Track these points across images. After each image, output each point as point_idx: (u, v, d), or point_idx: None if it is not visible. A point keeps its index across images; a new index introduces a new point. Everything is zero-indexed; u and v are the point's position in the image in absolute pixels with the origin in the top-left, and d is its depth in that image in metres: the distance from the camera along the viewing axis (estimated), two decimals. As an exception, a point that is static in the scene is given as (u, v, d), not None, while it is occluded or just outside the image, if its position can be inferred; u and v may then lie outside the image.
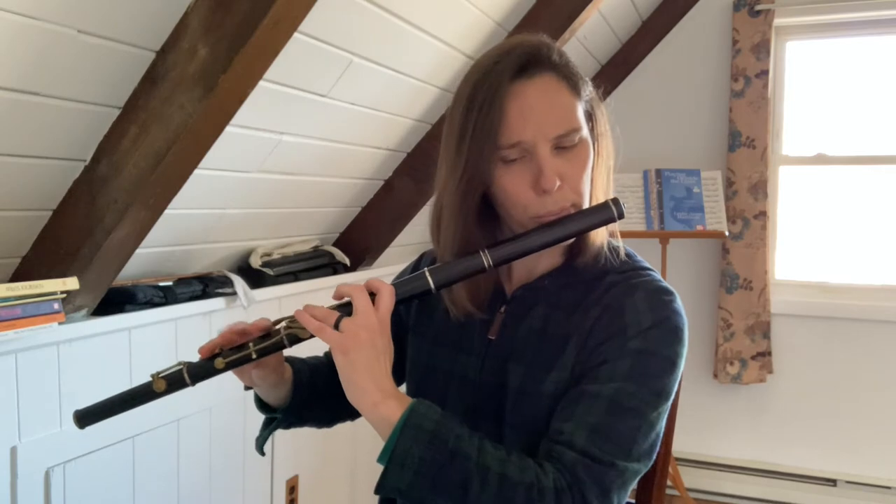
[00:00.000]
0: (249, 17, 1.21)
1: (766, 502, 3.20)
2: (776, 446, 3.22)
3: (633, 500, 1.19)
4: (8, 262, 1.43)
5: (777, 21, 3.08)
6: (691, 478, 3.27)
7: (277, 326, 0.94)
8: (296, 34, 1.37)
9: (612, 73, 3.31)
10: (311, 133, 1.90)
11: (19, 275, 1.44)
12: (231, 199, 1.85)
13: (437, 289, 0.94)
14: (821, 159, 3.21)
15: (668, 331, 0.93)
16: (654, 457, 0.93)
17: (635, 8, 3.06)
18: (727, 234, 2.92)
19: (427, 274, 0.93)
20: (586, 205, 0.96)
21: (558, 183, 0.91)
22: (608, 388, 0.90)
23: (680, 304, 0.97)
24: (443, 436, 0.84)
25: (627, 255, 1.03)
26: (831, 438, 3.14)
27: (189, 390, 0.97)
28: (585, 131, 0.95)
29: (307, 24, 1.43)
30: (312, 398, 1.10)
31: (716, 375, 3.20)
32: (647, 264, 1.03)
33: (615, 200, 0.94)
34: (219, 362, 0.93)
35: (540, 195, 0.92)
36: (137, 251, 1.54)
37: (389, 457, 0.83)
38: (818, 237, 3.24)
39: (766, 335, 3.14)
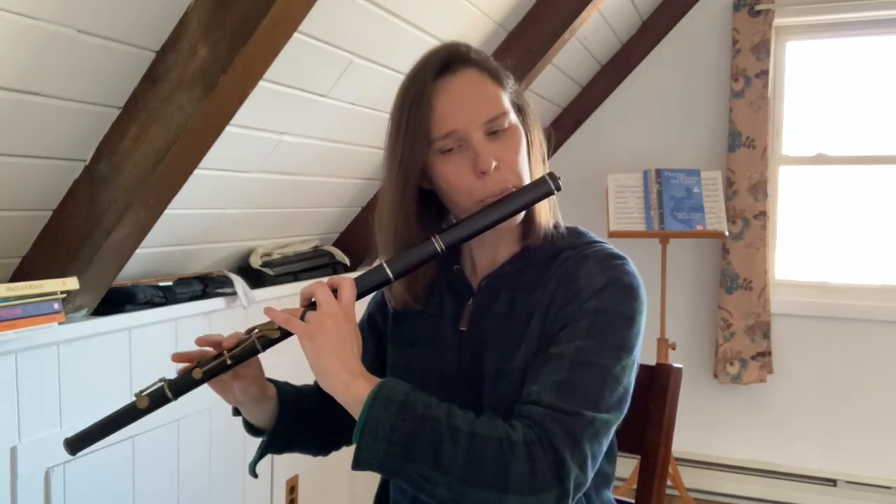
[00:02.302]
0: (249, 17, 1.21)
1: (766, 502, 3.20)
2: (776, 446, 3.22)
3: (633, 501, 1.20)
4: (8, 262, 1.43)
5: (777, 21, 3.08)
6: (691, 478, 3.27)
7: (249, 334, 0.97)
8: (296, 34, 1.37)
9: (612, 73, 3.31)
10: (311, 133, 1.90)
11: (19, 275, 1.44)
12: (231, 199, 1.85)
13: (395, 277, 0.97)
14: (821, 159, 3.20)
15: (620, 288, 0.97)
16: (625, 410, 0.95)
17: (635, 8, 3.06)
18: (727, 234, 2.92)
19: (385, 265, 0.97)
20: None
21: (494, 163, 0.96)
22: (570, 347, 0.93)
23: (633, 266, 1.02)
24: (412, 404, 0.87)
25: (577, 232, 1.07)
26: (831, 438, 3.14)
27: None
28: (514, 117, 1.00)
29: (307, 24, 1.44)
30: (300, 419, 1.12)
31: (716, 375, 3.20)
32: (597, 238, 1.07)
33: (551, 175, 0.98)
34: (196, 373, 0.96)
35: (480, 178, 0.96)
36: (137, 251, 1.54)
37: (361, 430, 0.86)
38: (818, 237, 3.24)
39: (766, 335, 3.14)
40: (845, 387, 3.12)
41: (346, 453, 1.20)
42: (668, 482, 2.68)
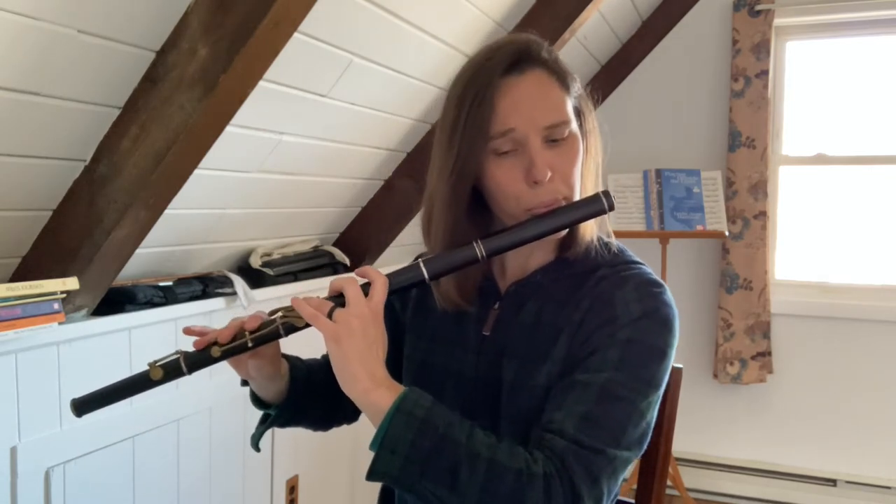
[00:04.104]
0: (249, 17, 1.21)
1: (766, 502, 3.20)
2: (776, 446, 3.22)
3: (633, 501, 1.20)
4: (8, 262, 1.43)
5: (777, 21, 3.08)
6: (691, 478, 3.27)
7: (273, 317, 0.95)
8: (296, 34, 1.37)
9: (612, 73, 3.31)
10: (311, 133, 1.90)
11: (19, 275, 1.44)
12: (231, 199, 1.85)
13: (430, 279, 0.95)
14: (821, 159, 3.21)
15: (657, 321, 0.95)
16: (645, 446, 0.93)
17: (635, 8, 3.06)
18: (727, 234, 2.92)
19: (421, 264, 0.94)
20: (577, 199, 0.97)
21: (549, 174, 0.92)
22: (598, 377, 0.91)
23: (670, 296, 0.99)
24: (433, 422, 0.85)
25: (619, 250, 1.04)
26: (831, 438, 3.14)
27: (189, 390, 0.97)
28: (575, 126, 0.97)
29: (307, 24, 1.43)
30: (308, 395, 1.10)
31: (716, 375, 3.20)
32: (637, 258, 1.04)
33: (605, 192, 0.95)
34: (215, 350, 0.94)
35: (531, 186, 0.93)
36: (137, 251, 1.54)
37: (380, 442, 0.84)
38: (818, 237, 3.24)
39: (766, 335, 3.14)
40: (845, 387, 3.12)
41: (347, 454, 1.20)
42: (668, 482, 2.68)
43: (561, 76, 0.97)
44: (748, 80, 3.07)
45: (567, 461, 0.86)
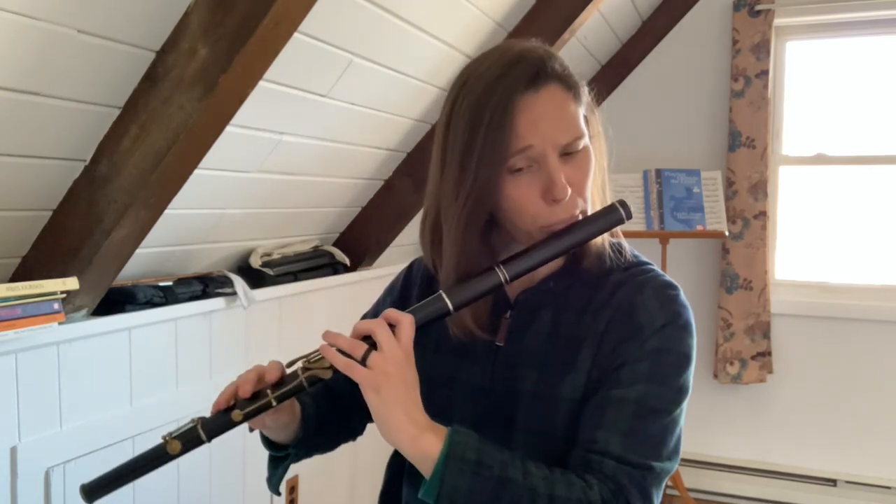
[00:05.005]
0: (249, 17, 1.21)
1: (765, 502, 3.20)
2: (776, 446, 3.22)
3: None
4: (8, 262, 1.43)
5: (777, 21, 3.08)
6: (691, 478, 3.27)
7: (294, 368, 0.91)
8: (296, 34, 1.37)
9: (612, 73, 3.31)
10: (311, 133, 1.90)
11: (19, 275, 1.44)
12: (231, 199, 1.85)
13: (455, 309, 0.92)
14: (821, 159, 3.20)
15: (680, 327, 0.96)
16: (680, 452, 0.95)
17: (635, 8, 3.06)
18: (727, 234, 2.92)
19: (444, 296, 0.92)
20: (590, 209, 0.96)
21: (570, 192, 0.90)
22: (633, 391, 0.91)
23: (684, 296, 0.99)
24: (487, 463, 0.84)
25: (630, 253, 1.03)
26: (831, 438, 3.14)
27: (189, 389, 0.96)
28: (587, 138, 0.95)
29: (307, 24, 1.43)
30: (319, 429, 1.09)
31: (716, 375, 3.20)
32: (646, 259, 1.04)
33: (622, 203, 0.94)
34: (236, 415, 0.89)
35: (550, 204, 0.91)
36: (137, 251, 1.54)
37: (437, 493, 0.83)
38: (818, 237, 3.24)
39: (766, 335, 3.14)
40: (845, 387, 3.12)
41: (347, 454, 1.20)
42: (668, 482, 2.68)
43: (575, 89, 0.94)
44: (748, 80, 3.07)
45: (621, 482, 0.86)
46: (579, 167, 0.93)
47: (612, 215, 0.94)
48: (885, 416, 3.07)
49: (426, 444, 0.84)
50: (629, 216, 0.93)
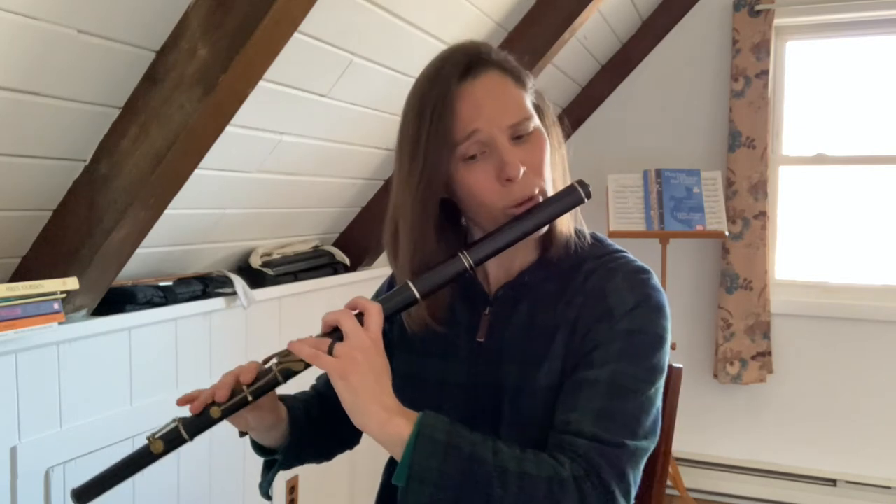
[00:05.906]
0: (249, 17, 1.21)
1: (765, 502, 3.20)
2: (776, 446, 3.22)
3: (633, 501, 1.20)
4: (8, 262, 1.43)
5: (777, 21, 3.08)
6: (691, 478, 3.27)
7: (268, 365, 0.92)
8: (296, 34, 1.37)
9: (612, 73, 3.31)
10: (311, 133, 1.90)
11: (19, 275, 1.44)
12: (231, 199, 1.85)
13: (422, 297, 0.93)
14: (821, 159, 3.21)
15: (651, 308, 0.96)
16: (658, 433, 0.94)
17: (635, 8, 3.06)
18: (727, 234, 2.92)
19: (410, 285, 0.93)
20: (551, 191, 0.97)
21: (523, 170, 0.92)
22: (604, 371, 0.91)
23: (657, 280, 1.00)
24: (457, 444, 0.84)
25: (596, 239, 1.05)
26: (831, 438, 3.14)
27: (189, 389, 0.97)
28: (537, 120, 0.97)
29: (307, 24, 1.44)
30: (309, 434, 1.09)
31: (716, 375, 3.20)
32: (618, 246, 1.05)
33: (580, 182, 0.95)
34: (214, 411, 0.91)
35: (505, 185, 0.93)
36: (137, 251, 1.54)
37: (408, 474, 0.83)
38: (818, 237, 3.24)
39: (766, 335, 3.14)
40: (845, 387, 3.12)
41: (347, 454, 1.20)
42: (668, 482, 2.68)
43: (515, 74, 0.97)
44: (748, 80, 3.07)
45: (593, 460, 0.87)
46: (532, 148, 0.95)
47: (572, 195, 0.95)
48: (886, 416, 3.07)
49: (396, 427, 0.85)
50: (588, 195, 0.95)
